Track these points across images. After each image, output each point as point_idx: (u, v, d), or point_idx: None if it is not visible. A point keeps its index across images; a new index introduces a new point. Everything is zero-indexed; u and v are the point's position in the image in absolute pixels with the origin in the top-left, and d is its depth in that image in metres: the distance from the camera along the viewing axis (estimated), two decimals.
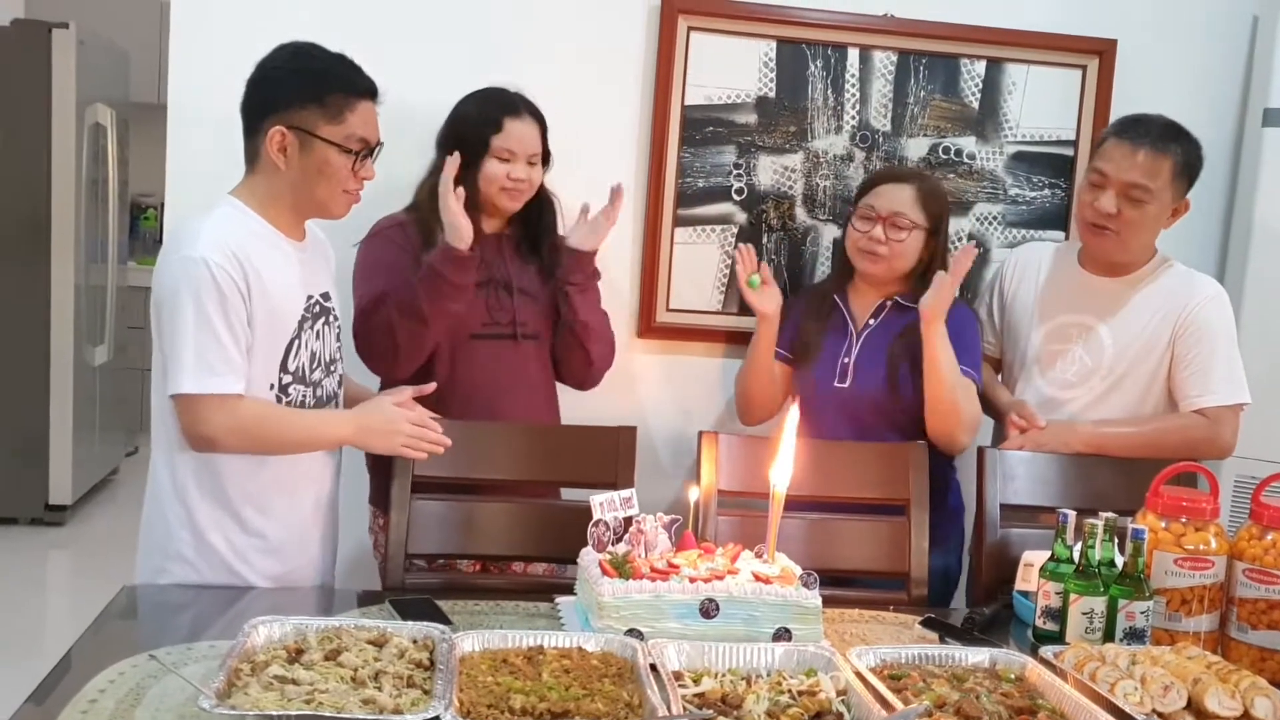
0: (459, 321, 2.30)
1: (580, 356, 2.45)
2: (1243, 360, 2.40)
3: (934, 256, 2.47)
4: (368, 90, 2.00)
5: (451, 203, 2.20)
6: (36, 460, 4.97)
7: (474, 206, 2.35)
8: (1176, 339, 2.38)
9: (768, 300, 2.52)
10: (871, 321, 2.50)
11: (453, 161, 2.22)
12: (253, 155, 2.00)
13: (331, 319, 2.11)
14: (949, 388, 2.33)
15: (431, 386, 2.13)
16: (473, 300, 2.31)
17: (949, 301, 2.35)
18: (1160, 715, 1.54)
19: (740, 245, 2.62)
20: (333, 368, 2.11)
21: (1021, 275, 2.57)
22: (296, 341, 1.99)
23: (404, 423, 2.04)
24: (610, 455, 2.27)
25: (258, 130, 1.97)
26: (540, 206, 2.42)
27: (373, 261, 2.33)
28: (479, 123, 2.32)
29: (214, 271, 1.87)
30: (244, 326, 1.91)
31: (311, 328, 2.03)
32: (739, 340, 2.83)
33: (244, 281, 1.90)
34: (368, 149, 1.99)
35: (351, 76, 1.99)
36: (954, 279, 2.35)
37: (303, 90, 1.95)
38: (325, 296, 2.09)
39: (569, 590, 1.97)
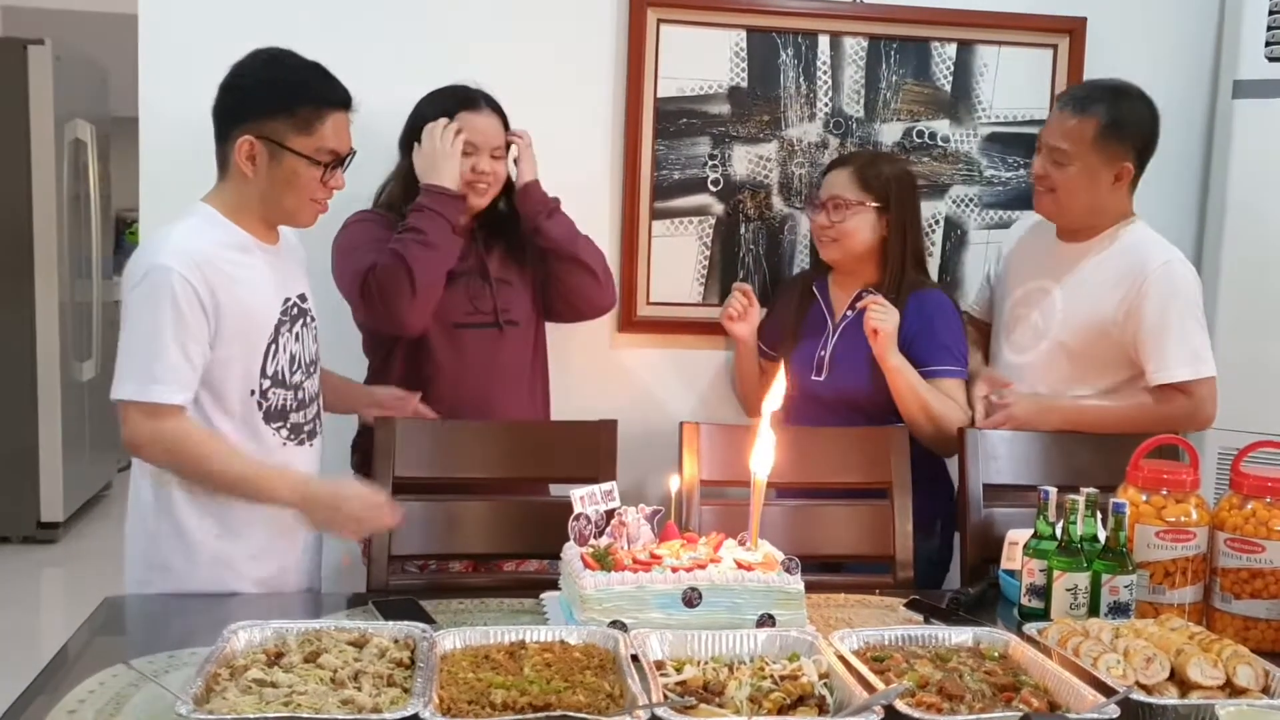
0: (439, 311, 2.30)
1: (586, 278, 2.41)
2: (1220, 331, 2.39)
3: (894, 234, 2.46)
4: (340, 101, 1.98)
5: (445, 143, 2.24)
6: (27, 478, 4.97)
7: None
8: (1129, 316, 2.33)
9: (742, 328, 2.57)
10: (849, 313, 2.50)
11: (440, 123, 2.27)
12: (223, 162, 1.98)
13: (309, 320, 2.10)
14: (918, 409, 2.36)
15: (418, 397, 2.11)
16: (453, 290, 2.32)
17: (895, 329, 2.36)
18: (1143, 687, 1.54)
19: (740, 287, 2.60)
20: (312, 369, 2.10)
21: (1012, 248, 2.62)
22: (274, 345, 1.99)
23: (355, 504, 1.91)
24: (592, 450, 2.27)
25: (228, 138, 1.95)
26: (507, 196, 2.41)
27: (353, 240, 2.33)
28: (433, 118, 2.31)
29: (175, 284, 1.85)
30: (200, 344, 1.88)
31: (290, 330, 2.02)
32: (721, 331, 2.82)
33: (210, 297, 1.88)
34: (338, 160, 1.98)
35: (324, 88, 1.97)
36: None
37: (273, 101, 1.93)
38: (302, 298, 2.08)
39: (554, 586, 1.97)
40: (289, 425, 2.03)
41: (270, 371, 1.98)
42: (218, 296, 1.89)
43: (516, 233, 2.44)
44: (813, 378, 2.47)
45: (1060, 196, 2.36)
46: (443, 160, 2.26)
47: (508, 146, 2.40)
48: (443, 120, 2.29)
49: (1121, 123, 2.32)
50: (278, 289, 2.01)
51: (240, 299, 1.92)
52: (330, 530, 1.98)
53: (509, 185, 2.42)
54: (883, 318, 2.35)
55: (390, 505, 1.96)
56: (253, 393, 1.97)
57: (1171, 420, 2.32)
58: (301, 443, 2.06)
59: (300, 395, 2.05)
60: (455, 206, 2.26)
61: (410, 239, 2.22)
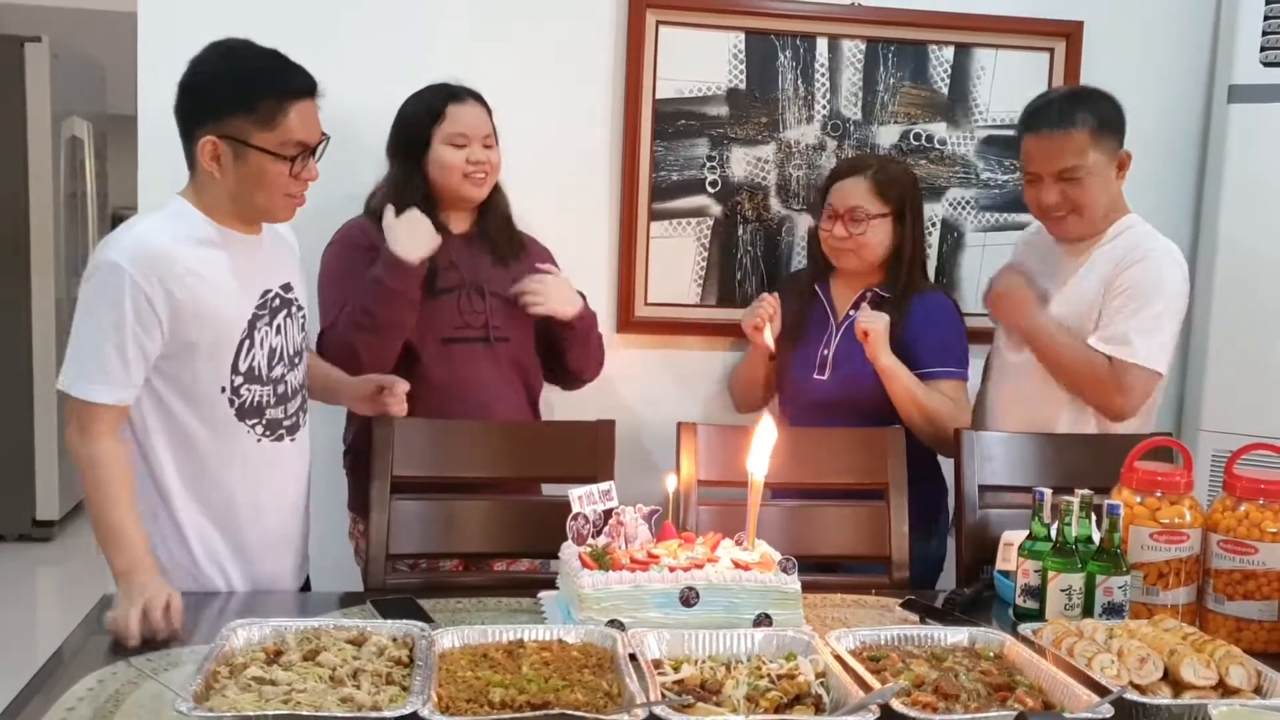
0: (429, 325, 2.30)
1: (573, 380, 2.54)
2: (1214, 334, 2.39)
3: (905, 241, 2.48)
4: (303, 89, 1.90)
5: (391, 218, 2.24)
6: (22, 476, 4.97)
7: (433, 206, 2.33)
8: (1106, 294, 2.33)
9: (765, 334, 2.53)
10: (852, 313, 2.51)
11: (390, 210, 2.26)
12: (190, 162, 1.93)
13: (294, 310, 2.04)
14: (913, 408, 2.38)
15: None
16: (444, 305, 2.33)
17: (885, 330, 2.37)
18: (1137, 687, 1.55)
19: (767, 296, 2.57)
20: (295, 361, 2.05)
21: (1015, 257, 2.62)
22: (248, 341, 1.94)
23: (138, 603, 1.71)
24: (589, 449, 2.28)
25: (191, 138, 1.90)
26: (493, 198, 2.41)
27: (336, 268, 2.32)
28: (421, 116, 2.32)
29: (125, 283, 1.81)
30: (143, 345, 1.84)
31: (270, 323, 1.97)
32: (718, 332, 2.84)
33: (164, 295, 1.83)
34: (308, 150, 1.91)
35: (284, 77, 1.90)
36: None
37: (232, 97, 1.86)
38: (286, 288, 2.03)
39: (552, 585, 1.97)
40: (265, 422, 1.98)
41: (243, 368, 1.93)
42: (174, 294, 1.84)
43: (514, 250, 2.43)
44: (815, 377, 2.48)
45: (1086, 212, 2.34)
46: (406, 234, 2.21)
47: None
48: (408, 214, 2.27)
49: (1106, 116, 2.33)
50: (253, 281, 1.95)
51: (204, 295, 1.87)
52: (120, 606, 1.74)
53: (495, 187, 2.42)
54: (871, 320, 2.37)
55: (166, 626, 1.73)
56: (223, 390, 1.92)
57: (1100, 390, 2.30)
58: (280, 439, 2.01)
59: (280, 390, 2.00)
60: (413, 278, 2.22)
61: (362, 319, 2.20)
